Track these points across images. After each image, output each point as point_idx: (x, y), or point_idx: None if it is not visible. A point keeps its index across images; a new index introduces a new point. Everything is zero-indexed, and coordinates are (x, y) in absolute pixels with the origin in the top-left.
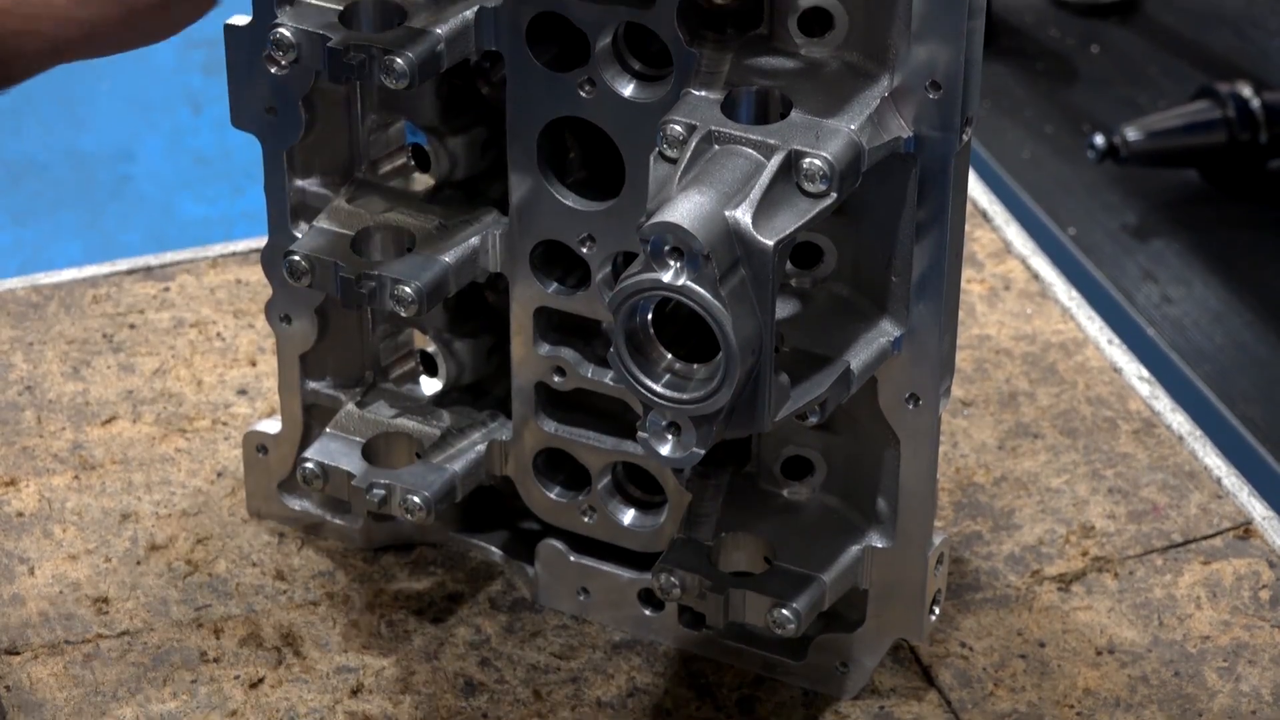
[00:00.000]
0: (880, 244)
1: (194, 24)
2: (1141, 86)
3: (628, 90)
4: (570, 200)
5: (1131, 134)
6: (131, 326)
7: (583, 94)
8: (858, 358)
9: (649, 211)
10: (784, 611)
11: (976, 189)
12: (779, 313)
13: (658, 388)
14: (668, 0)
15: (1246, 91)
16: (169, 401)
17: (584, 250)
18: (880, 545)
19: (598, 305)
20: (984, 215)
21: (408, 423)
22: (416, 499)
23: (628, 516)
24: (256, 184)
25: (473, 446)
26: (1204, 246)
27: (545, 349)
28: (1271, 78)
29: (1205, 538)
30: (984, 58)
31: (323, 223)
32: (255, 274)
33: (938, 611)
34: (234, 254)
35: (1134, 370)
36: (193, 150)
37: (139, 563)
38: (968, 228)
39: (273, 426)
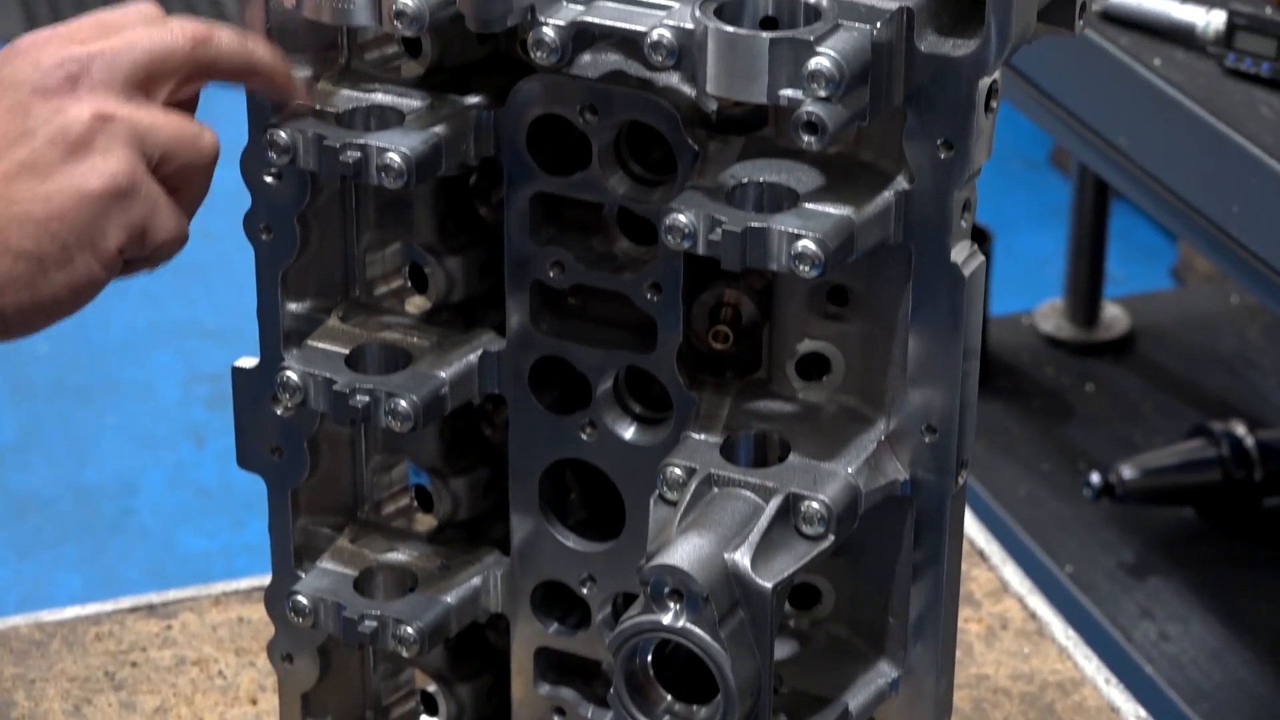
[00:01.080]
0: (877, 585)
1: (196, 358)
2: (1137, 425)
3: (629, 433)
4: (571, 541)
5: (1127, 472)
6: (133, 664)
7: (584, 436)
8: (856, 699)
9: (649, 553)
10: None
11: (973, 527)
12: (777, 654)
13: None
14: (667, 345)
15: (1241, 430)
16: None
17: (584, 591)
18: None
19: (598, 646)
20: (981, 554)
21: None
22: None
23: None
24: (258, 517)
25: None
26: (1201, 584)
27: (545, 689)
28: (1266, 416)
29: None
30: (980, 396)
31: (325, 563)
32: (257, 611)
33: None
34: (236, 592)
35: (1131, 710)
36: (195, 484)
37: None
38: (965, 566)
39: None
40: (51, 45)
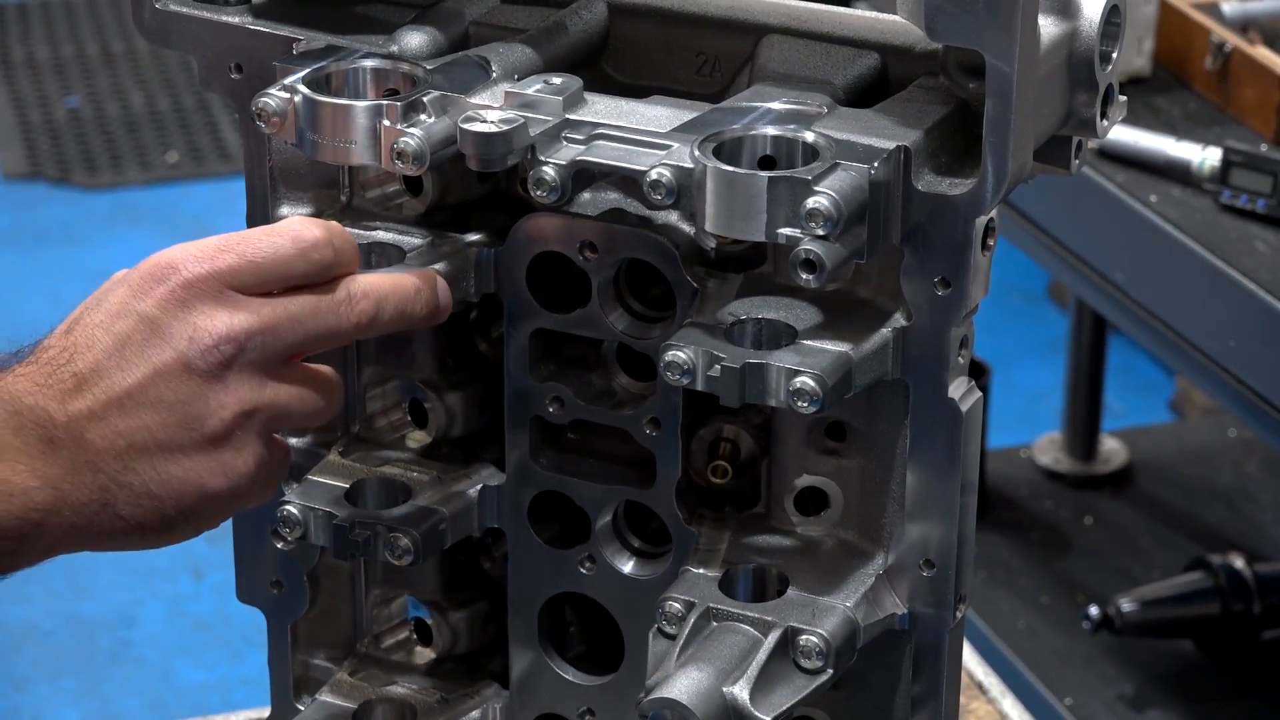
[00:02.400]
0: (877, 718)
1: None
2: (1135, 557)
3: (627, 567)
4: (570, 674)
5: (1126, 605)
6: None
7: (583, 570)
8: None
9: (648, 687)
10: None
11: (972, 660)
12: None
13: None
14: (666, 480)
15: (1239, 563)
16: None
17: None
18: None
19: None
20: (980, 687)
21: None
22: None
23: None
24: (256, 649)
25: None
26: (1199, 716)
27: None
28: (1264, 549)
29: None
30: (979, 529)
31: (325, 695)
32: None
33: None
34: None
35: None
36: (193, 616)
37: None
38: (964, 699)
39: None
40: (208, 305)
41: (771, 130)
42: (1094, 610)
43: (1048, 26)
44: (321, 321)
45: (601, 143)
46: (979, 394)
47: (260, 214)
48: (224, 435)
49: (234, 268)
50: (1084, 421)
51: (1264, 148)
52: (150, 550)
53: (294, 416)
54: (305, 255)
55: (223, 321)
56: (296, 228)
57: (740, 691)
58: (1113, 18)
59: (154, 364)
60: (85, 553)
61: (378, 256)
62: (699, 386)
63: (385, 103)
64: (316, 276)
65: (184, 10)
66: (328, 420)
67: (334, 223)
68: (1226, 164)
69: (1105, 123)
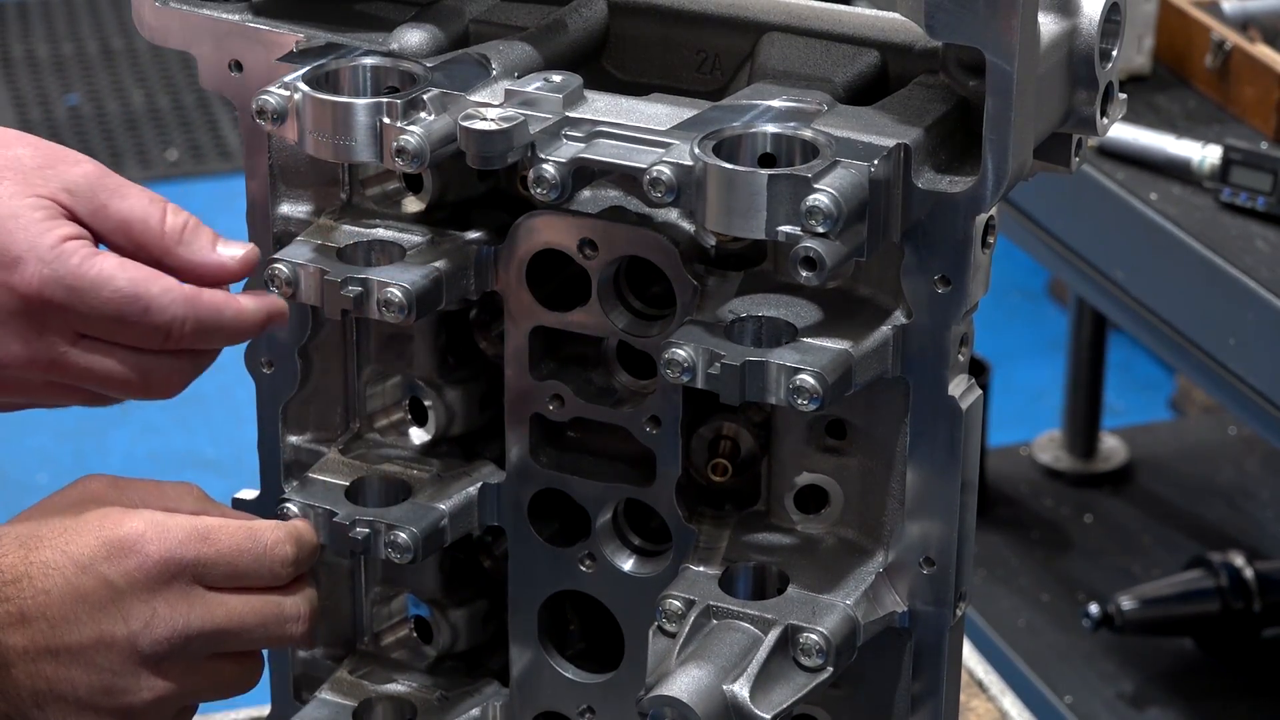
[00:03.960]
0: (877, 716)
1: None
2: (1135, 556)
3: (627, 565)
4: (570, 672)
5: (1126, 603)
6: None
7: (583, 568)
8: None
9: (648, 685)
10: None
11: (972, 658)
12: None
13: None
14: (666, 478)
15: (1239, 561)
16: None
17: None
18: None
19: None
20: (980, 685)
21: None
22: None
23: None
24: None
25: None
26: (1200, 715)
27: None
28: (1264, 547)
29: None
30: (979, 527)
31: (325, 693)
32: None
33: None
34: None
35: None
36: None
37: None
38: (964, 697)
39: None
40: (173, 595)
41: (771, 128)
42: (1094, 608)
43: (1048, 24)
44: (264, 634)
45: (601, 140)
46: (979, 392)
47: (260, 212)
48: (140, 711)
49: (207, 562)
50: (1084, 419)
51: (1264, 146)
52: None
53: (206, 698)
54: (273, 568)
55: (181, 617)
56: (268, 537)
57: (740, 689)
58: (1113, 15)
59: (102, 632)
60: None
61: (378, 254)
62: (699, 384)
63: (385, 100)
64: (275, 583)
65: (184, 8)
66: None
67: (301, 526)
68: (1226, 162)
69: (1105, 120)
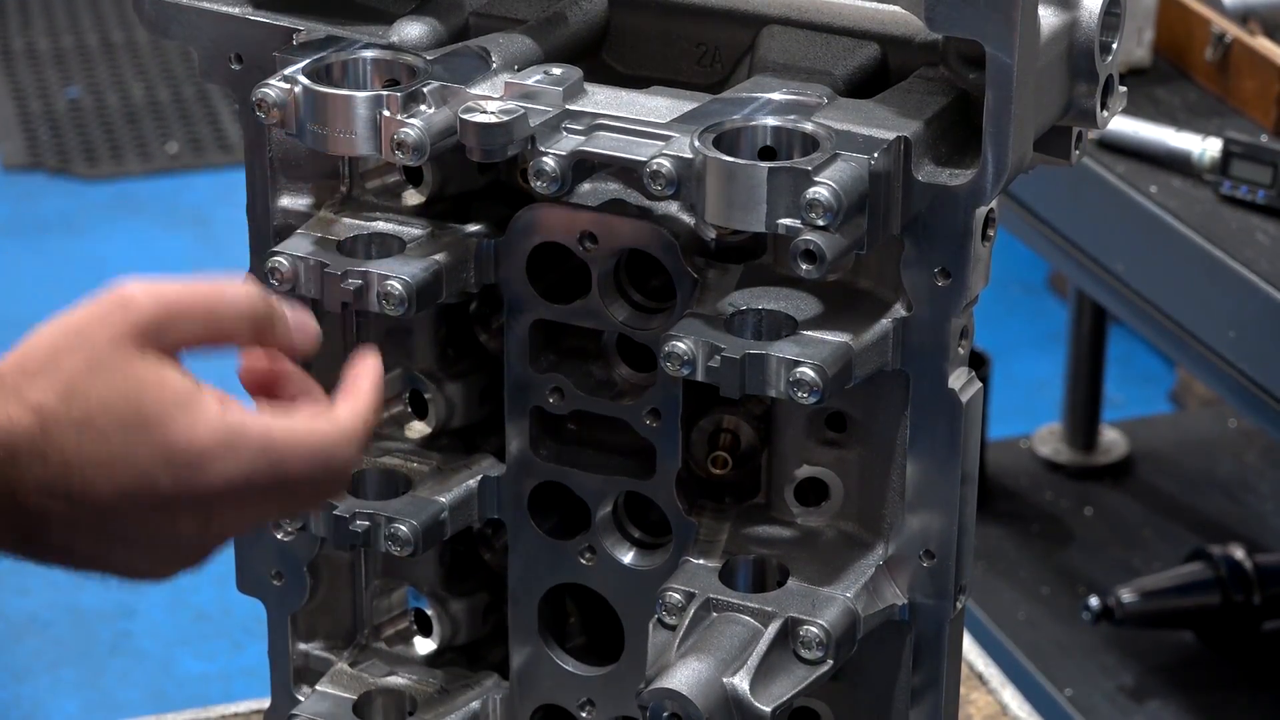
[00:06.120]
0: (876, 709)
1: None
2: (1136, 548)
3: (627, 558)
4: (570, 665)
5: (1126, 596)
6: None
7: (583, 561)
8: None
9: (648, 678)
10: None
11: (972, 651)
12: None
13: None
14: (666, 471)
15: (1240, 554)
16: None
17: (584, 715)
18: None
19: None
20: (980, 678)
21: None
22: None
23: None
24: (256, 640)
25: None
26: (1201, 707)
27: None
28: (1264, 540)
29: None
30: (978, 520)
31: (325, 686)
32: None
33: None
34: (235, 715)
35: None
36: (193, 607)
37: None
38: (964, 690)
39: None
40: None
41: (772, 121)
42: (1094, 601)
43: (1048, 17)
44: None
45: (602, 133)
46: (979, 385)
47: (260, 205)
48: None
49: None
50: (1084, 412)
51: (1264, 138)
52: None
53: None
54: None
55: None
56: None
57: (740, 682)
58: (1113, 8)
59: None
60: None
61: (378, 247)
62: (699, 377)
63: (385, 93)
64: None
65: (184, 1)
66: None
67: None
68: (1227, 155)
69: (1105, 113)
